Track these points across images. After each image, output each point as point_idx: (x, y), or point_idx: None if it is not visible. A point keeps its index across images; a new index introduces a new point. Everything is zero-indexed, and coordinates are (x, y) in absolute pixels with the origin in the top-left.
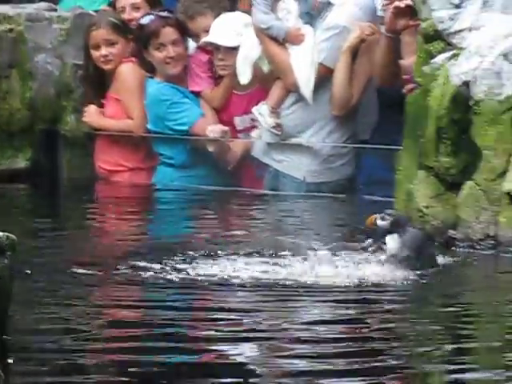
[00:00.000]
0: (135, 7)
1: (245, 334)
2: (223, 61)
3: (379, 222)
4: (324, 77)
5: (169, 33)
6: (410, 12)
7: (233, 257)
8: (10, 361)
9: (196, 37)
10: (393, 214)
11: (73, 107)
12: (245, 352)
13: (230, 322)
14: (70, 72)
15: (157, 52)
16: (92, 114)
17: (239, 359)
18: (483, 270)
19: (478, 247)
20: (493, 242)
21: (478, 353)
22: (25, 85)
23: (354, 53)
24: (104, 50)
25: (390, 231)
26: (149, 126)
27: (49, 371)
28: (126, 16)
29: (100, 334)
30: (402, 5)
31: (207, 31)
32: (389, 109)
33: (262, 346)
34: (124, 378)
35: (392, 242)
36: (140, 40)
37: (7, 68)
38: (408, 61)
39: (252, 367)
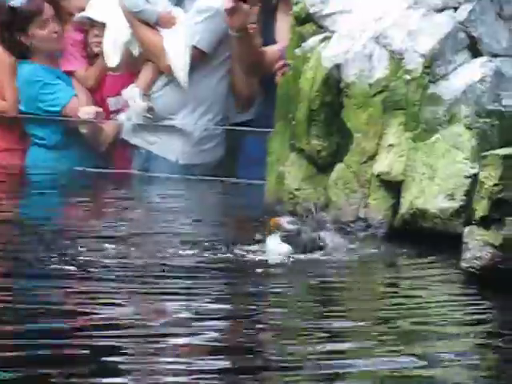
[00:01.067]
0: None
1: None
2: (98, 37)
3: (287, 226)
4: (198, 59)
5: (48, 9)
6: (241, 8)
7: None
8: None
9: (70, 15)
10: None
11: None
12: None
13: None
14: None
15: (39, 30)
16: None
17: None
18: None
19: (348, 229)
20: (363, 224)
21: None
22: None
23: None
24: None
25: (293, 237)
26: (21, 108)
27: None
28: None
29: None
30: (228, 5)
31: (82, 10)
32: (271, 90)
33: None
34: None
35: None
36: (14, 23)
37: None
38: (272, 47)
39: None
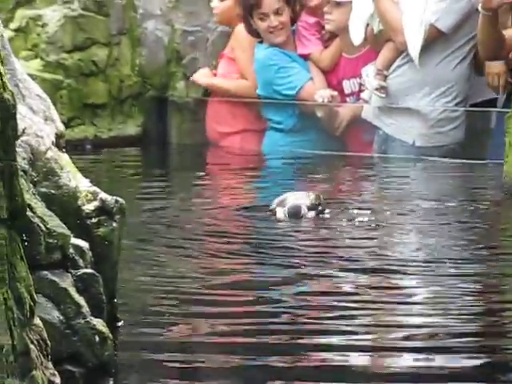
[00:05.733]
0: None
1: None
2: (329, 14)
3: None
4: (434, 39)
5: (271, 2)
6: None
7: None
8: (120, 323)
9: None
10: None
11: (182, 73)
12: None
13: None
14: (180, 38)
15: (259, 22)
16: (202, 75)
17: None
18: None
19: None
20: None
21: None
22: (134, 52)
23: None
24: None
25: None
26: (258, 92)
27: (156, 332)
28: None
29: (206, 294)
30: None
31: None
32: None
33: None
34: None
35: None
36: (245, 8)
37: (117, 35)
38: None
39: None
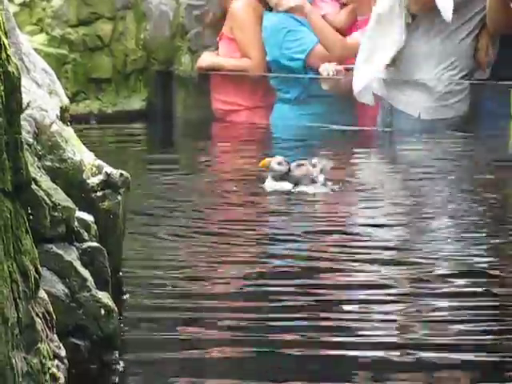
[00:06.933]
0: None
1: None
2: None
3: (276, 167)
4: None
5: None
6: None
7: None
8: (125, 297)
9: None
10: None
11: (187, 48)
12: None
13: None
14: (185, 12)
15: None
16: (205, 57)
17: None
18: None
19: None
20: None
21: None
22: (139, 26)
23: None
24: None
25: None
26: (268, 58)
27: (161, 306)
28: None
29: (211, 270)
30: None
31: None
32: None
33: None
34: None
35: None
36: None
37: (122, 9)
38: None
39: None
